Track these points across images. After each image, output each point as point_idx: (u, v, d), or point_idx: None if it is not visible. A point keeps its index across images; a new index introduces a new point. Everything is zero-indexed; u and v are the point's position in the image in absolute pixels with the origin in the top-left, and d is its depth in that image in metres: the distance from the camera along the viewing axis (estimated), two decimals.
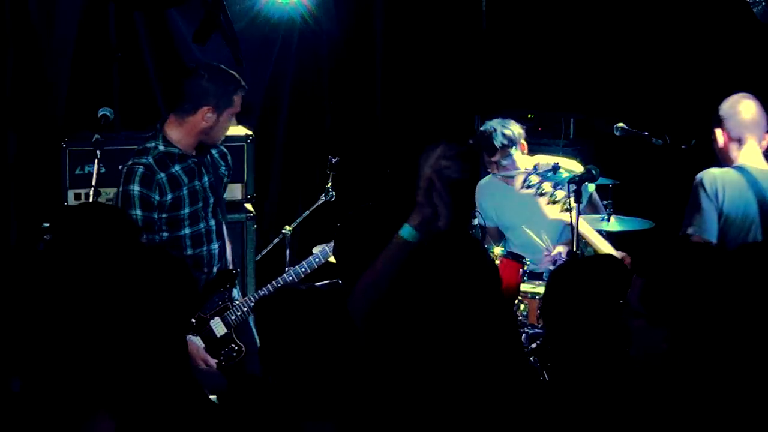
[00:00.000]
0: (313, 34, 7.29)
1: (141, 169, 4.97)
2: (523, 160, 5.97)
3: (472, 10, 7.68)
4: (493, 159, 5.99)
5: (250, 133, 6.37)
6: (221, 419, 2.79)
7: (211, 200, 5.18)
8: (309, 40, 7.30)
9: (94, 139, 5.57)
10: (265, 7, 7.01)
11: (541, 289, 5.64)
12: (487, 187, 6.23)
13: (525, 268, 5.65)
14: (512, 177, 5.92)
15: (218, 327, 5.16)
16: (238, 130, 6.41)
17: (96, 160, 5.51)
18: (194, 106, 5.04)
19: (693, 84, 6.81)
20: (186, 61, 6.79)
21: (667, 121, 6.50)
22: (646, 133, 5.73)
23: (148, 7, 6.60)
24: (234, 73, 5.17)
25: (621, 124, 5.80)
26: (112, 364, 2.75)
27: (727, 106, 5.05)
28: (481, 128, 6.08)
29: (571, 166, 5.69)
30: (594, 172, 5.34)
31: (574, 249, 5.25)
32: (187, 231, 5.08)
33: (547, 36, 7.50)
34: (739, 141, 5.02)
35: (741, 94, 5.08)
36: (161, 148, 5.03)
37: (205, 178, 5.16)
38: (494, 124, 6.00)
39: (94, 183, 5.45)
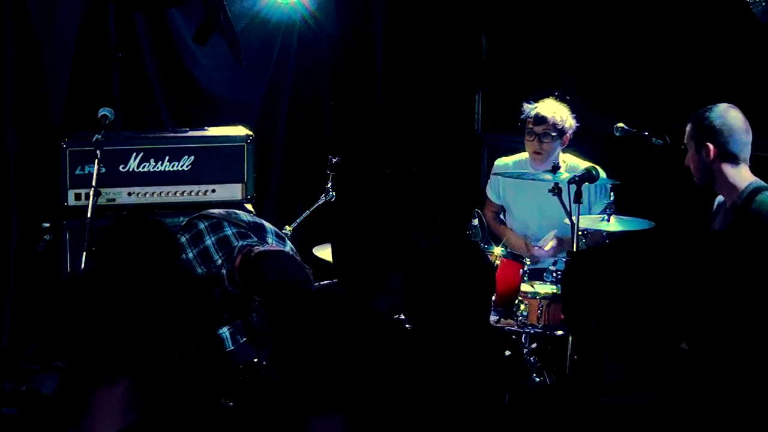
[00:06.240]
0: (313, 34, 7.28)
1: None
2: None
3: (472, 10, 7.68)
4: (537, 130, 6.09)
5: (250, 133, 6.38)
6: (228, 417, 2.79)
7: None
8: (309, 40, 7.30)
9: (94, 139, 5.58)
10: (265, 7, 7.01)
11: (541, 289, 5.65)
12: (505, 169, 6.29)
13: (525, 268, 5.66)
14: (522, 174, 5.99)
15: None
16: (238, 130, 6.42)
17: (96, 160, 5.51)
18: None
19: (693, 84, 6.81)
20: (186, 61, 6.79)
21: (667, 121, 6.50)
22: (646, 133, 5.72)
23: (148, 7, 6.59)
24: None
25: (621, 125, 5.79)
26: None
27: (721, 118, 4.73)
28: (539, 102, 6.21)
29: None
30: (594, 172, 5.34)
31: (574, 249, 5.26)
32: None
33: (547, 36, 7.50)
34: (735, 159, 4.73)
35: (731, 106, 4.79)
36: None
37: None
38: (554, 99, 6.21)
39: (94, 183, 5.46)
